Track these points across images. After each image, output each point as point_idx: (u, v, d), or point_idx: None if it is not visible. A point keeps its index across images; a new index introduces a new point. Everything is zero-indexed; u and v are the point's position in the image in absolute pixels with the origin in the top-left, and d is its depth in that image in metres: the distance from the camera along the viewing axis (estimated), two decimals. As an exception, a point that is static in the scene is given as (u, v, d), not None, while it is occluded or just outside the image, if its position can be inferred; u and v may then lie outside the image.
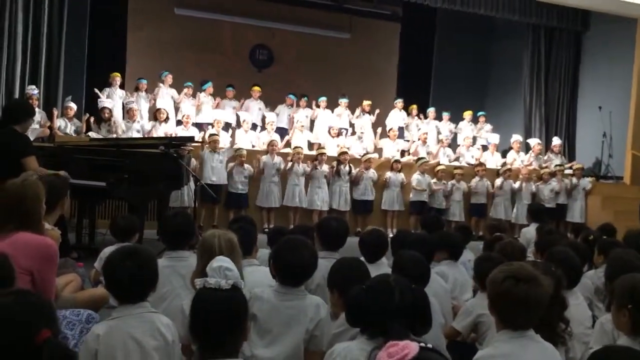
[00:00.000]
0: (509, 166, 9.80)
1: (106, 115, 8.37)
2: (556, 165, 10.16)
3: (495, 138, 10.50)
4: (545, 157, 10.60)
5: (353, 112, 10.40)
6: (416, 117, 10.81)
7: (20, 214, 2.63)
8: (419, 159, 9.37)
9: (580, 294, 3.18)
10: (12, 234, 2.56)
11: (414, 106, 10.85)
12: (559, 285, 2.61)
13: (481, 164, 9.64)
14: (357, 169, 8.78)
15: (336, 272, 2.69)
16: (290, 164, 8.38)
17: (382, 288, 2.09)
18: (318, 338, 2.53)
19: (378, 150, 9.83)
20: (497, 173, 9.62)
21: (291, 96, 10.48)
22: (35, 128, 7.41)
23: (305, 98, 10.45)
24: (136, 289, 2.23)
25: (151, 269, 2.28)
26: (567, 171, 10.13)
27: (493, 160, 10.17)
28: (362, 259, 3.63)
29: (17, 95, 8.53)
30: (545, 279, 2.19)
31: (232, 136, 9.12)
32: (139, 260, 2.23)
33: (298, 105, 10.33)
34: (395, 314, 2.02)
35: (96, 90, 8.81)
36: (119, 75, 9.30)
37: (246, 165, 8.20)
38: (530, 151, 10.45)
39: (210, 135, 8.31)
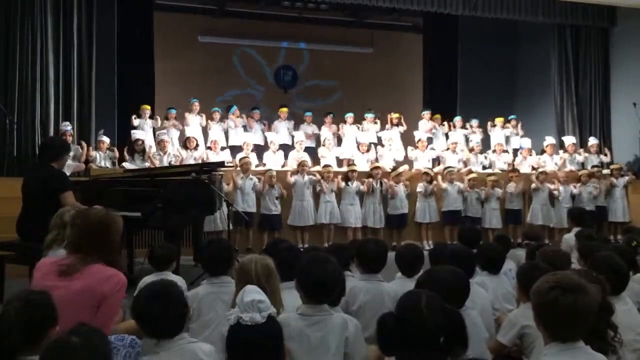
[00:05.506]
0: (543, 169, 9.56)
1: (139, 146, 8.55)
2: (593, 166, 9.91)
3: (527, 142, 10.29)
4: (581, 158, 10.34)
5: (381, 126, 10.38)
6: (442, 126, 10.70)
7: (104, 244, 2.66)
8: (447, 167, 9.26)
9: (629, 299, 3.06)
10: (91, 266, 2.59)
11: (438, 116, 10.77)
12: (603, 291, 2.51)
13: (514, 170, 9.45)
14: (389, 183, 8.72)
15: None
16: (322, 183, 8.37)
17: (412, 314, 1.99)
18: (350, 355, 2.46)
19: (409, 161, 9.76)
20: (535, 177, 9.30)
21: (308, 114, 10.54)
22: (70, 163, 7.60)
23: (331, 115, 10.47)
24: (170, 327, 2.21)
25: (180, 306, 2.25)
26: (605, 171, 9.87)
27: (527, 165, 9.96)
28: (400, 274, 3.60)
29: (51, 133, 8.76)
30: (592, 288, 2.11)
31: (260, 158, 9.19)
32: (166, 302, 2.21)
33: (323, 123, 10.35)
34: (429, 339, 1.95)
35: (133, 118, 9.11)
36: (148, 107, 9.50)
37: (276, 186, 8.23)
38: (564, 151, 10.21)
39: (241, 158, 8.38)
